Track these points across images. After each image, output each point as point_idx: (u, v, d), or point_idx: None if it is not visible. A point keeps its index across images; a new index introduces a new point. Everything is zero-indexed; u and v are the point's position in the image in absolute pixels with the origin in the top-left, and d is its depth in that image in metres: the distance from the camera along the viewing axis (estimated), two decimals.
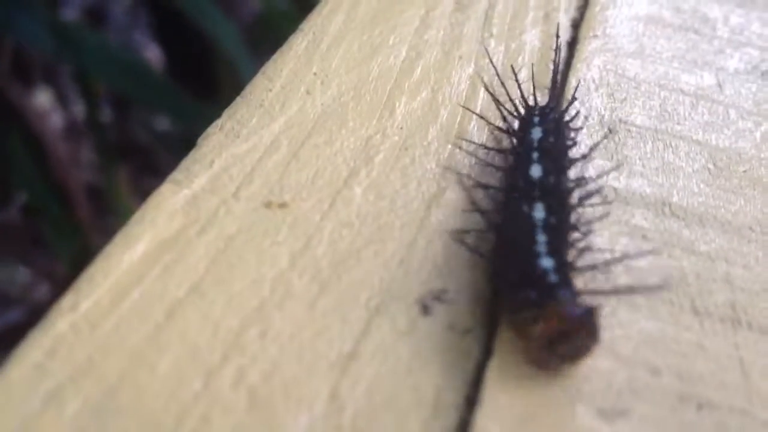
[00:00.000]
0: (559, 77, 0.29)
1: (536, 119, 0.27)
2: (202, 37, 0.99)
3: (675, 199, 0.27)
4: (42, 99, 1.29)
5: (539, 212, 0.23)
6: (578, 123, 0.29)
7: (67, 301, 0.22)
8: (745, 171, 0.29)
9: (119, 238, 0.23)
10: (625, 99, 0.31)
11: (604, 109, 0.31)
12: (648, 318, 0.23)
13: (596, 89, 0.31)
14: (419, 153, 0.28)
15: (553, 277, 0.21)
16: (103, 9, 1.43)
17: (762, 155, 0.30)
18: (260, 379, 0.20)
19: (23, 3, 1.00)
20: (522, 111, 0.28)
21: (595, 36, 0.34)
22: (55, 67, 1.28)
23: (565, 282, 0.21)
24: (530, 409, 0.21)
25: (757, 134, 0.31)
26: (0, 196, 1.07)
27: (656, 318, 0.23)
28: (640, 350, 0.23)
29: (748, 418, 0.21)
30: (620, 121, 0.30)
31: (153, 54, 1.28)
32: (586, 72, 0.32)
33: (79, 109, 1.23)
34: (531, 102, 0.29)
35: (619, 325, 0.23)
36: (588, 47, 0.33)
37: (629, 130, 0.30)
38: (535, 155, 0.26)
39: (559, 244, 0.22)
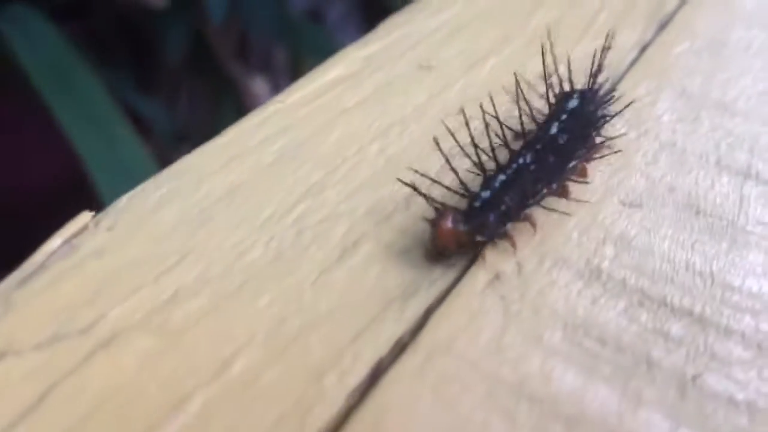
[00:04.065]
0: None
1: (573, 95, 0.33)
2: None
3: None
4: (258, 85, 1.50)
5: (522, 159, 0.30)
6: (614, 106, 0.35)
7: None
8: None
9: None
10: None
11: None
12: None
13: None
14: None
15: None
16: (320, 11, 1.63)
17: None
18: None
19: None
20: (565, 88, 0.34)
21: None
22: (272, 57, 1.48)
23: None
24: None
25: None
26: None
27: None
28: (666, 175, 0.33)
29: (731, 227, 0.31)
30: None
31: None
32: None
33: None
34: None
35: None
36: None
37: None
38: (557, 120, 0.31)
39: (511, 188, 0.29)
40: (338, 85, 0.37)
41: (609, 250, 0.30)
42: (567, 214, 0.30)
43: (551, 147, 0.30)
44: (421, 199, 0.29)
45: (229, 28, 1.32)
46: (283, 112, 0.35)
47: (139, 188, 0.31)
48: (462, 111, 0.30)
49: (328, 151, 0.33)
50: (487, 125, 0.30)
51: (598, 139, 0.33)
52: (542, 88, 0.33)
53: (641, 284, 0.28)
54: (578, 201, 0.31)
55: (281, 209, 0.30)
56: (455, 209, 0.29)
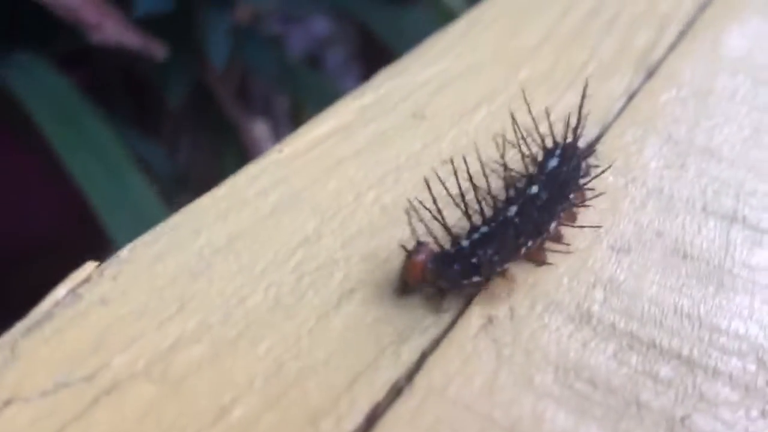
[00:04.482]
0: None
1: (555, 151, 0.33)
2: None
3: None
4: (259, 129, 1.52)
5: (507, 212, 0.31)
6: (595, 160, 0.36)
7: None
8: None
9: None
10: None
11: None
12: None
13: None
14: None
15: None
16: (320, 57, 1.65)
17: None
18: None
19: (255, 38, 1.21)
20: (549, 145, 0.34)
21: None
22: (273, 101, 1.50)
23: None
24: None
25: None
26: None
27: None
28: (653, 221, 0.34)
29: (718, 271, 0.32)
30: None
31: None
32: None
33: None
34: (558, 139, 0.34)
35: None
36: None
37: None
38: (541, 176, 0.32)
39: (492, 239, 0.30)
40: (333, 135, 0.38)
41: (599, 294, 0.30)
42: (551, 263, 0.31)
43: (533, 205, 0.31)
44: None
45: (230, 74, 1.34)
46: (279, 163, 0.36)
47: (140, 239, 0.32)
48: (451, 161, 0.30)
49: (324, 200, 0.34)
50: (471, 179, 0.31)
51: (580, 187, 0.34)
52: (529, 141, 0.34)
53: (630, 327, 0.29)
54: (564, 251, 0.32)
55: (279, 257, 0.31)
56: (435, 248, 0.30)
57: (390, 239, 0.32)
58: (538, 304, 0.30)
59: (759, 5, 0.49)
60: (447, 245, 0.30)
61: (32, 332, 0.28)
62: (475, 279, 0.30)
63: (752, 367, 0.28)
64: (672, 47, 0.45)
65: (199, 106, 1.25)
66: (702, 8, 0.49)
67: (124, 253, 0.31)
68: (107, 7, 0.95)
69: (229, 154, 1.25)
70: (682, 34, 0.46)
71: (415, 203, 0.32)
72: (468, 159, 0.31)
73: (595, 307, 0.30)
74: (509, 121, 0.35)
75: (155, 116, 1.22)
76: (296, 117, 1.31)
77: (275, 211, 0.34)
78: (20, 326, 0.28)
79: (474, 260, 0.29)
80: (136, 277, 0.30)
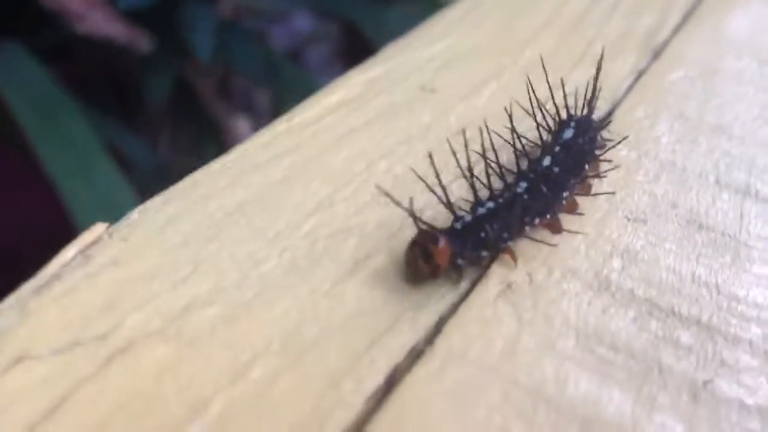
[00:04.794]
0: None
1: (570, 122, 0.33)
2: None
3: None
4: (241, 125, 1.51)
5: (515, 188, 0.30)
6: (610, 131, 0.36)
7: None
8: None
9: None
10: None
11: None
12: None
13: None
14: None
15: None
16: (302, 54, 1.65)
17: None
18: None
19: (239, 33, 1.20)
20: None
21: None
22: (254, 98, 1.49)
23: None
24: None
25: None
26: None
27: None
28: (667, 193, 0.34)
29: (734, 242, 0.32)
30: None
31: None
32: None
33: None
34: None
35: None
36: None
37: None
38: (556, 147, 0.32)
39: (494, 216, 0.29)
40: (343, 107, 0.37)
41: (616, 263, 0.30)
42: (568, 231, 0.31)
43: (545, 176, 0.31)
44: (428, 215, 0.30)
45: (213, 69, 1.33)
46: (290, 131, 0.36)
47: (148, 203, 0.31)
48: (463, 132, 0.30)
49: (336, 169, 0.34)
50: (484, 152, 0.30)
51: (596, 157, 0.33)
52: (540, 115, 0.34)
53: (649, 294, 0.29)
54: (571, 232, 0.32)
55: (292, 223, 0.31)
56: (437, 230, 0.29)
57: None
58: (556, 271, 0.30)
59: None
60: (449, 221, 0.30)
61: (41, 292, 0.27)
62: (484, 253, 0.29)
63: None
64: (676, 30, 0.45)
65: (180, 101, 1.24)
66: None
67: (134, 215, 0.30)
68: None
69: (209, 149, 1.24)
70: (686, 18, 0.46)
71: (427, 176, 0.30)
72: (481, 131, 0.31)
73: (614, 275, 0.30)
74: (518, 96, 0.35)
75: (137, 110, 1.21)
76: (277, 114, 1.31)
77: (287, 179, 0.33)
78: (28, 286, 0.27)
79: (484, 234, 0.29)
80: (147, 240, 0.29)
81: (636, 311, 0.29)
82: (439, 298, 0.29)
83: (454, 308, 0.28)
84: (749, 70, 0.42)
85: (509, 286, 0.29)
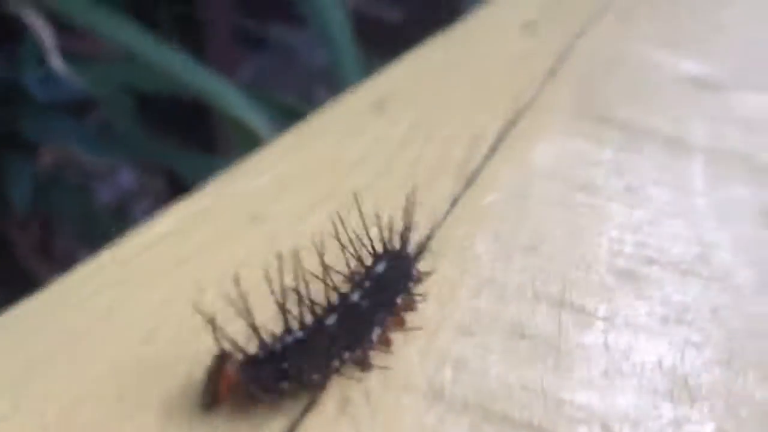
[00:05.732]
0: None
1: (383, 258, 0.33)
2: None
3: None
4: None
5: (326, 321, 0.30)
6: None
7: None
8: None
9: None
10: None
11: None
12: None
13: None
14: None
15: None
16: (128, 208, 1.62)
17: None
18: None
19: (60, 185, 1.17)
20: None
21: None
22: (76, 256, 1.45)
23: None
24: None
25: None
26: None
27: None
28: (489, 306, 0.35)
29: (554, 349, 0.34)
30: None
31: None
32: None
33: None
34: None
35: None
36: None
37: None
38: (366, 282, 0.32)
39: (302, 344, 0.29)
40: (169, 237, 0.37)
41: (448, 373, 0.31)
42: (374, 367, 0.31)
43: (353, 310, 0.31)
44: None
45: (31, 225, 1.29)
46: (113, 266, 0.35)
47: None
48: (279, 259, 0.29)
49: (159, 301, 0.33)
50: (297, 285, 0.30)
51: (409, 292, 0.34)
52: (358, 246, 0.34)
53: (481, 401, 0.30)
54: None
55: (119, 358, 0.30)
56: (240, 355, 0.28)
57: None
58: (392, 383, 0.30)
59: (560, 126, 0.54)
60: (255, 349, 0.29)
61: None
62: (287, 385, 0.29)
63: None
64: (487, 158, 0.48)
65: None
66: (508, 127, 0.53)
67: None
68: None
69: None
70: (494, 148, 0.49)
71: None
72: (298, 260, 0.30)
73: (447, 385, 0.30)
74: (342, 227, 0.35)
75: None
76: None
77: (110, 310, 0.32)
78: None
79: (285, 366, 0.28)
80: None
81: (470, 418, 0.29)
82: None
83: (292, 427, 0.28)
84: (556, 193, 0.45)
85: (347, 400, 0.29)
